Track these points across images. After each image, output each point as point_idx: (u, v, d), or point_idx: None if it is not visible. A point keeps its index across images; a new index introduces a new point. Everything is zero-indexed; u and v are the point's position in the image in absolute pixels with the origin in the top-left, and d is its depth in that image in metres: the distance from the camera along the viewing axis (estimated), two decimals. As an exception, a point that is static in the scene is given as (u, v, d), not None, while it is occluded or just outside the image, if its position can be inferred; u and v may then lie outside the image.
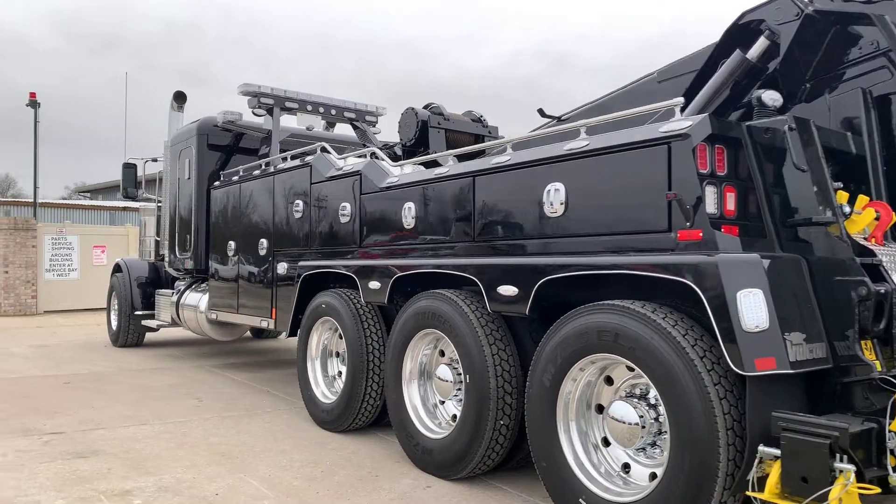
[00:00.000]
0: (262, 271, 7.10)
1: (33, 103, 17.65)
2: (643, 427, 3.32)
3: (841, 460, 2.59)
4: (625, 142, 3.47)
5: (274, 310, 6.87)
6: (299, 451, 5.11)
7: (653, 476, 3.33)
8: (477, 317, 4.27)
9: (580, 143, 3.74)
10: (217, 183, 8.35)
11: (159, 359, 9.86)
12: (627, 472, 3.49)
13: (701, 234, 3.13)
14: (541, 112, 5.47)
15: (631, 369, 3.37)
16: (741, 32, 4.01)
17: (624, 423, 3.39)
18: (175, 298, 9.51)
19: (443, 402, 4.78)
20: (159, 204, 10.98)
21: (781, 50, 3.75)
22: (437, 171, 4.82)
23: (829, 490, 2.57)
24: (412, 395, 4.85)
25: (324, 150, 6.40)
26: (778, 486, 2.74)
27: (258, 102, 8.23)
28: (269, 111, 8.29)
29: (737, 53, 3.91)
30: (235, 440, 5.38)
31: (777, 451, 2.75)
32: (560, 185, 3.80)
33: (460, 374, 4.49)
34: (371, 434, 5.58)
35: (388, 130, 9.39)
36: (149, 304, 10.77)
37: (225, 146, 8.89)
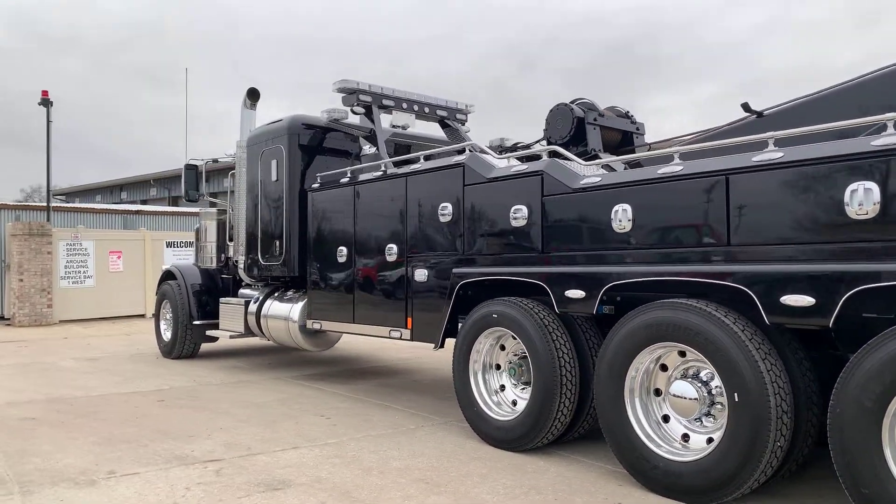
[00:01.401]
0: (392, 279, 6.65)
1: (45, 102, 16.77)
2: None
3: None
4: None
5: (410, 319, 6.43)
6: (501, 474, 4.69)
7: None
8: (741, 329, 3.92)
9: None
10: (316, 185, 7.87)
11: (229, 371, 9.30)
12: None
13: None
14: (745, 107, 5.14)
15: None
16: None
17: None
18: (254, 307, 8.98)
19: (666, 420, 4.43)
20: (222, 207, 10.44)
21: None
22: (663, 170, 4.45)
23: None
24: (637, 413, 4.47)
25: (478, 149, 5.98)
26: None
27: (357, 100, 7.81)
28: (368, 109, 7.86)
29: None
30: (421, 463, 4.94)
31: None
32: (872, 185, 3.47)
33: (711, 391, 4.16)
34: (555, 454, 5.19)
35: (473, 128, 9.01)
36: (206, 313, 10.22)
37: (317, 146, 8.40)
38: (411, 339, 6.45)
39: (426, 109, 8.54)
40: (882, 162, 3.46)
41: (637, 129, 6.54)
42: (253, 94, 9.37)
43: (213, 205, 10.75)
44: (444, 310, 5.90)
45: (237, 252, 9.38)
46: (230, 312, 9.54)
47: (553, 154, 5.34)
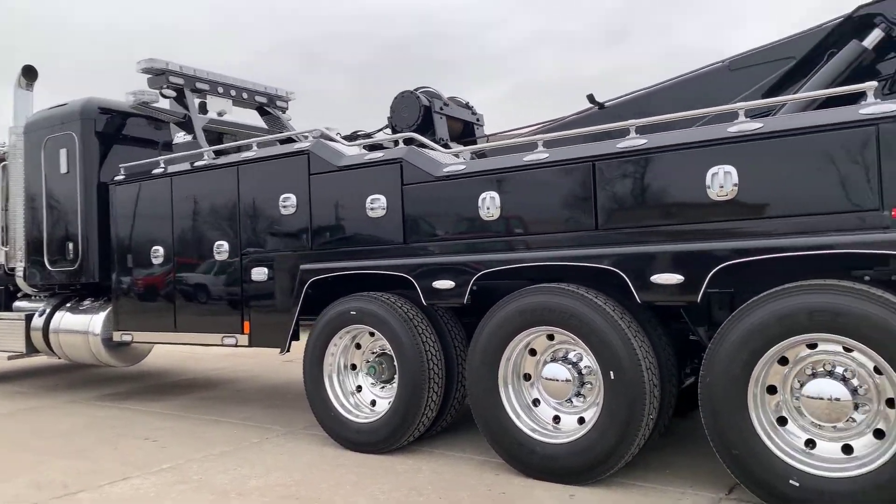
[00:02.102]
0: (223, 280, 6.02)
1: None
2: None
3: None
4: (824, 122, 3.53)
5: (247, 323, 5.86)
6: (374, 479, 4.41)
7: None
8: (612, 309, 4.05)
9: (753, 125, 3.72)
10: (120, 178, 6.90)
11: (10, 398, 7.87)
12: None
13: (922, 211, 3.29)
14: (590, 98, 5.34)
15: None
16: (853, 25, 4.32)
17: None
18: (40, 322, 7.68)
19: (536, 404, 4.47)
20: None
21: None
22: (529, 157, 4.46)
23: None
24: (511, 399, 4.45)
25: (324, 136, 5.59)
26: None
27: (166, 82, 6.98)
28: (180, 93, 7.08)
29: (854, 43, 4.20)
30: (283, 478, 4.48)
31: None
32: (731, 168, 3.75)
33: (581, 372, 4.25)
34: (422, 451, 5.01)
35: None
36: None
37: (116, 134, 7.41)
38: (249, 345, 5.88)
39: (244, 95, 7.87)
40: (738, 146, 3.75)
41: (477, 119, 6.58)
42: (29, 73, 7.98)
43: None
44: (293, 310, 5.45)
45: (12, 258, 7.96)
46: (6, 329, 8.07)
47: (409, 141, 5.15)
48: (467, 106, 6.51)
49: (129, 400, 7.50)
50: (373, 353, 5.28)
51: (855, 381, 3.51)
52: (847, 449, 3.53)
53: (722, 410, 3.68)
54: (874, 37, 4.17)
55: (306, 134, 5.70)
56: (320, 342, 5.28)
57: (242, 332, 5.89)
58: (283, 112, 8.35)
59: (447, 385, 4.94)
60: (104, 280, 7.10)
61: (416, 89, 6.10)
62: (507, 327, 4.37)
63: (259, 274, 5.77)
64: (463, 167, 4.75)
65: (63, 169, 7.27)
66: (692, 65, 5.07)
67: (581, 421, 4.28)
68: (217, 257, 6.02)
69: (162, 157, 6.76)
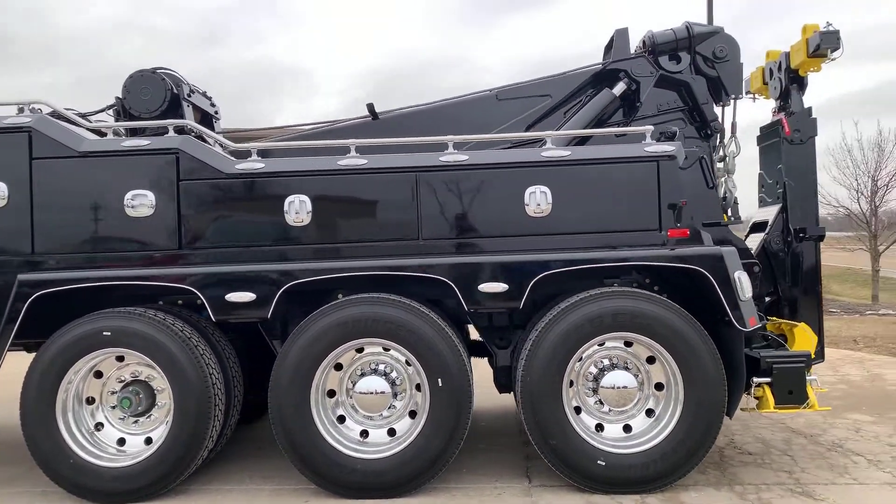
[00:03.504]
0: None
1: None
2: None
3: (808, 374, 4.12)
4: (620, 155, 4.20)
5: None
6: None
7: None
8: (438, 318, 4.14)
9: (564, 152, 4.23)
10: None
11: None
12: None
13: (688, 232, 4.19)
14: (370, 107, 5.22)
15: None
16: (604, 75, 5.13)
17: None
18: None
19: (342, 421, 4.28)
20: None
21: (642, 95, 5.04)
22: (344, 162, 4.26)
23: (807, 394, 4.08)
24: (325, 419, 4.17)
25: (54, 113, 4.38)
26: (772, 401, 4.09)
27: None
28: None
29: (607, 91, 5.02)
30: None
31: (768, 379, 4.09)
32: (546, 189, 4.18)
33: (400, 383, 4.21)
34: (191, 490, 4.32)
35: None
36: None
37: None
38: (-84, 384, 4.29)
39: None
40: (551, 170, 4.22)
41: (216, 112, 5.90)
42: None
43: None
44: (3, 333, 4.16)
45: None
46: None
47: (187, 130, 4.43)
48: (205, 95, 5.81)
49: None
50: (120, 381, 4.36)
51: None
52: (627, 428, 4.23)
53: (540, 405, 4.07)
54: (620, 87, 5.11)
55: (33, 105, 4.42)
56: (52, 372, 4.14)
57: None
58: None
59: (226, 410, 4.37)
60: None
61: (154, 69, 5.22)
62: (324, 341, 4.09)
63: (-65, 286, 4.25)
64: (263, 165, 4.28)
65: None
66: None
67: (407, 434, 4.21)
68: None
69: None
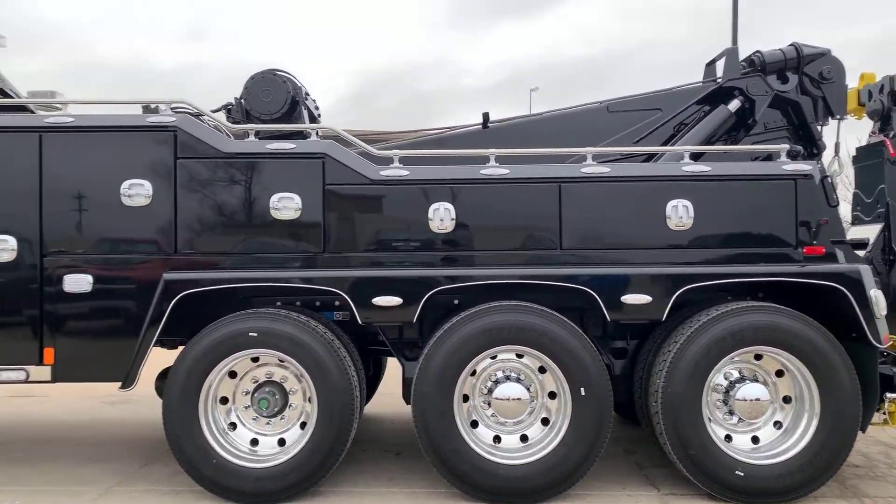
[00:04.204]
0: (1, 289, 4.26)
1: None
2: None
3: (938, 392, 4.25)
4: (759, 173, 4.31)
5: (50, 350, 4.26)
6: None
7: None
8: (575, 327, 4.21)
9: (705, 167, 4.33)
10: None
11: None
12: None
13: (823, 250, 4.30)
14: (485, 116, 5.28)
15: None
16: (717, 92, 5.24)
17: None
18: None
19: (476, 425, 4.34)
20: None
21: (756, 113, 5.17)
22: (486, 171, 4.33)
23: (937, 410, 4.20)
24: (464, 423, 4.22)
25: (192, 110, 4.40)
26: (904, 417, 4.21)
27: None
28: None
29: (723, 108, 5.13)
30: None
31: (901, 394, 4.21)
32: (688, 203, 4.28)
33: (533, 390, 4.27)
34: (332, 492, 4.35)
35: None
36: None
37: None
38: (53, 380, 4.27)
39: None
40: (692, 184, 4.32)
41: (318, 114, 5.90)
42: None
43: None
44: (148, 332, 4.16)
45: None
46: None
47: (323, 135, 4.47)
48: (309, 96, 5.82)
49: None
50: (253, 381, 4.38)
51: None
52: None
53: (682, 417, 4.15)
54: (735, 104, 5.22)
55: (174, 105, 4.43)
56: (198, 371, 4.16)
57: (40, 363, 4.24)
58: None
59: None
60: None
61: (273, 71, 5.23)
62: (468, 347, 4.14)
63: (76, 283, 4.24)
64: (407, 173, 4.33)
65: None
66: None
67: (549, 439, 4.26)
68: (-4, 258, 4.23)
69: None
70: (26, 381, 4.27)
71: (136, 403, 6.69)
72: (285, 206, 4.28)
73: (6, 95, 5.09)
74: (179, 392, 4.16)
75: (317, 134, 4.47)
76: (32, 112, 4.76)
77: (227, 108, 5.22)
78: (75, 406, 6.90)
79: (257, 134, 4.50)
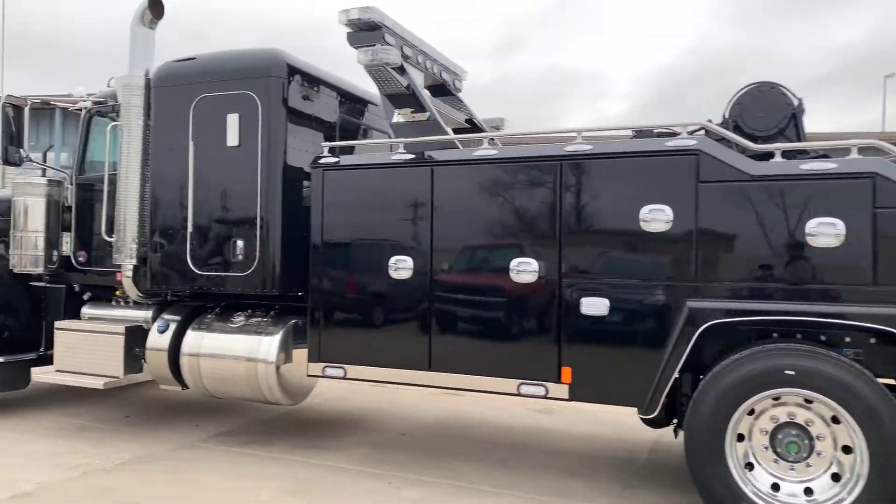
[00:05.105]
0: (521, 308, 4.58)
1: None
2: None
3: None
4: None
5: (567, 370, 4.44)
6: None
7: None
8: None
9: None
10: (331, 160, 5.23)
11: (97, 442, 5.86)
12: None
13: None
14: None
15: None
16: None
17: None
18: (163, 340, 5.78)
19: None
20: (56, 177, 6.72)
21: None
22: None
23: None
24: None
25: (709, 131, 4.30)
26: None
27: (381, 40, 5.39)
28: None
29: None
30: None
31: None
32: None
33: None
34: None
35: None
36: (16, 344, 6.52)
37: (302, 105, 5.66)
38: (569, 399, 4.47)
39: (434, 68, 6.39)
40: None
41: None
42: (156, 6, 6.01)
43: (43, 172, 6.81)
44: (671, 359, 4.12)
45: (122, 250, 5.93)
46: (95, 345, 6.06)
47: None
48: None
49: (273, 444, 5.73)
50: (773, 421, 4.06)
51: None
52: None
53: None
54: None
55: (691, 127, 4.38)
56: (724, 406, 3.99)
57: (557, 381, 4.45)
58: (460, 91, 6.88)
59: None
60: (287, 290, 5.37)
61: (771, 85, 4.87)
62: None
63: (594, 306, 4.37)
64: None
65: (233, 140, 5.43)
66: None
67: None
68: (516, 279, 4.54)
69: (400, 139, 5.17)
70: (545, 398, 4.51)
71: (562, 413, 6.76)
72: (822, 232, 3.90)
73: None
74: (707, 428, 4.01)
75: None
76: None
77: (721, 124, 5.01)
78: (506, 411, 7.14)
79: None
